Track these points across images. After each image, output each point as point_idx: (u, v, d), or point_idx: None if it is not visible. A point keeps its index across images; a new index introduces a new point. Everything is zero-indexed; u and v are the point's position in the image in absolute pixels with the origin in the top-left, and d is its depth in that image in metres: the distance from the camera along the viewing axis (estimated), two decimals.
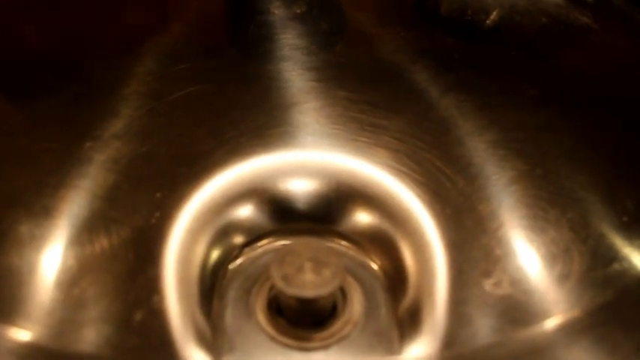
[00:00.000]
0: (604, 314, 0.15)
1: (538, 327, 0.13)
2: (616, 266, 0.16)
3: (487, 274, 0.14)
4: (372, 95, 0.17)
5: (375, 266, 0.14)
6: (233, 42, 0.21)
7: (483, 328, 0.13)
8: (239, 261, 0.14)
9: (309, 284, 0.12)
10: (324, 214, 0.14)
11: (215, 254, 0.14)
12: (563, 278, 0.15)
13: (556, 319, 0.14)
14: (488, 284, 0.13)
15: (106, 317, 0.12)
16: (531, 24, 0.22)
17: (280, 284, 0.12)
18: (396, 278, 0.14)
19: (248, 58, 0.20)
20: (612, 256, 0.16)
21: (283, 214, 0.14)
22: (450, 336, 0.13)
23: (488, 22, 0.22)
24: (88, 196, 0.13)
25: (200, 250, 0.13)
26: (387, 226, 0.14)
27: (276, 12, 0.22)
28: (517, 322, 0.14)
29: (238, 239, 0.14)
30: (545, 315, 0.14)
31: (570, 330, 0.14)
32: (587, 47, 0.22)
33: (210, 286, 0.13)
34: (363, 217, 0.14)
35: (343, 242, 0.14)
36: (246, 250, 0.14)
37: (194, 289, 0.13)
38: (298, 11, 0.22)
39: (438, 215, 0.15)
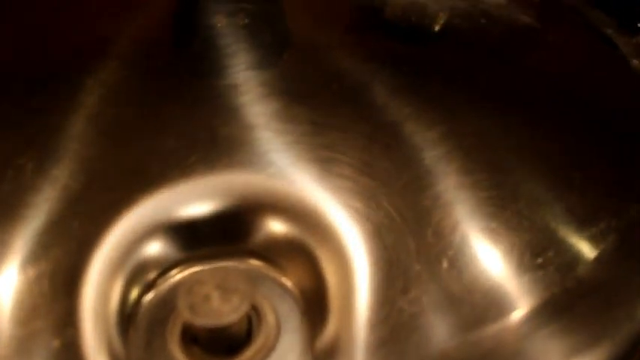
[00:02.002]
0: (557, 307, 0.15)
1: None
2: (566, 258, 0.16)
3: (406, 290, 0.14)
4: (294, 107, 0.17)
5: (292, 286, 0.14)
6: (177, 60, 0.21)
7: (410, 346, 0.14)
8: (153, 293, 0.14)
9: (216, 313, 0.12)
10: (233, 233, 0.14)
11: (130, 286, 0.14)
12: (516, 273, 0.15)
13: (510, 316, 0.14)
14: (406, 300, 0.13)
15: (18, 350, 0.12)
16: (471, 26, 0.21)
17: (187, 315, 0.12)
18: (314, 298, 0.14)
19: (191, 76, 0.20)
20: (562, 249, 0.16)
21: (191, 242, 0.14)
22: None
23: (430, 25, 0.22)
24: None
25: (116, 282, 0.13)
26: (304, 241, 0.14)
27: (220, 25, 0.22)
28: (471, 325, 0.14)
29: (152, 271, 0.14)
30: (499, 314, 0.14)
31: (530, 324, 0.14)
32: (530, 47, 0.22)
33: (127, 319, 0.14)
34: (277, 233, 0.14)
35: (257, 262, 0.14)
36: (160, 281, 0.14)
37: (111, 322, 0.13)
38: (241, 23, 0.22)
39: (365, 228, 0.15)
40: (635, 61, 0.24)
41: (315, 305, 0.14)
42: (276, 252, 0.14)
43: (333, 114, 0.17)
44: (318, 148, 0.16)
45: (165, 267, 0.14)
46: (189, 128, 0.15)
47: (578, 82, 0.21)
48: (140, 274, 0.13)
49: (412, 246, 0.14)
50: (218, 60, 0.21)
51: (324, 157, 0.16)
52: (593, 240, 0.17)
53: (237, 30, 0.22)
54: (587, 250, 0.16)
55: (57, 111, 0.16)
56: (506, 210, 0.16)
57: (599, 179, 0.18)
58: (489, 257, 0.15)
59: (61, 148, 0.15)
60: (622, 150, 0.19)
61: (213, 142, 0.15)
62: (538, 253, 0.15)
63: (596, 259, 0.16)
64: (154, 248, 0.14)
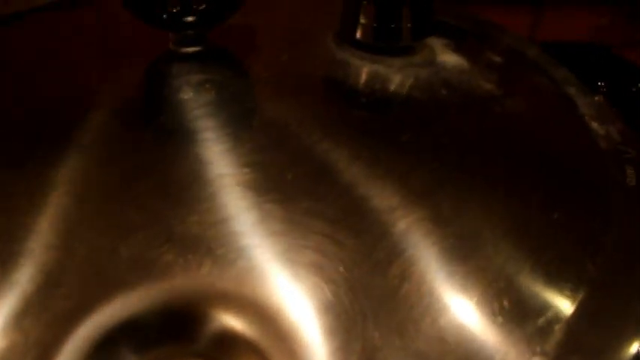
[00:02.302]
0: None
1: None
2: (541, 319, 0.16)
3: None
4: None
5: None
6: (143, 138, 0.21)
7: None
8: None
9: None
10: (186, 335, 0.15)
11: None
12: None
13: None
14: None
15: None
16: (432, 98, 0.22)
17: None
18: None
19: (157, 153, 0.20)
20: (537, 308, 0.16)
21: (146, 345, 0.14)
22: None
23: (393, 98, 0.22)
24: None
25: None
26: (259, 343, 0.14)
27: (187, 97, 0.22)
28: None
29: None
30: None
31: None
32: (489, 115, 0.22)
33: None
34: (232, 334, 0.14)
35: None
36: None
37: None
38: (209, 95, 0.23)
39: (326, 325, 0.15)
40: (594, 124, 0.25)
41: None
42: (230, 353, 0.14)
43: (299, 194, 0.18)
44: (281, 235, 0.17)
45: None
46: (149, 228, 0.16)
47: (538, 146, 0.22)
48: None
49: (378, 341, 0.15)
50: (186, 133, 0.21)
51: (287, 243, 0.16)
52: (564, 296, 0.17)
53: (203, 101, 0.22)
54: (559, 306, 0.17)
55: (20, 210, 0.16)
56: (480, 279, 0.16)
57: (563, 238, 0.19)
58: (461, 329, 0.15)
59: (24, 251, 0.15)
60: (579, 211, 0.20)
61: (170, 241, 0.16)
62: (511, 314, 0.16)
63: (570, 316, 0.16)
64: (112, 354, 0.14)
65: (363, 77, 0.22)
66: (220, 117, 0.21)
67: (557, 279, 0.17)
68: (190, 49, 0.24)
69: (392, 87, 0.22)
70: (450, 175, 0.19)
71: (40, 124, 0.20)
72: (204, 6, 0.22)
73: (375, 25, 0.23)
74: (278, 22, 0.26)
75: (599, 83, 0.27)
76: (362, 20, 0.23)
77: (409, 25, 0.23)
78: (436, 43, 0.26)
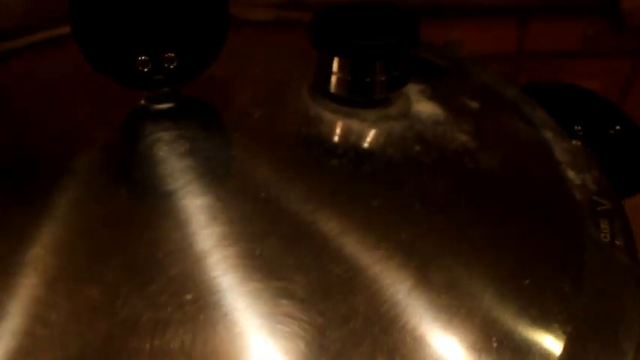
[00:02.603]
0: None
1: None
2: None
3: None
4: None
5: None
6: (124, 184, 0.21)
7: None
8: None
9: None
10: None
11: None
12: None
13: None
14: None
15: None
16: (405, 156, 0.22)
17: None
18: None
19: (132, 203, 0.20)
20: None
21: None
22: None
23: (367, 158, 0.22)
24: None
25: None
26: None
27: (161, 153, 0.22)
28: None
29: None
30: None
31: None
32: (463, 172, 0.22)
33: None
34: None
35: None
36: None
37: None
38: (182, 150, 0.22)
39: None
40: (571, 172, 0.25)
41: None
42: None
43: (271, 269, 0.18)
44: (264, 304, 0.17)
45: None
46: (118, 313, 0.16)
47: (512, 204, 0.22)
48: None
49: None
50: (159, 188, 0.21)
51: (270, 313, 0.16)
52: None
53: (177, 158, 0.22)
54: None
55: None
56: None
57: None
58: None
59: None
60: (551, 273, 0.20)
61: (137, 326, 0.15)
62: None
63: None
64: None
65: (337, 134, 0.22)
66: (194, 176, 0.21)
67: (526, 352, 0.17)
68: (163, 106, 0.23)
69: (365, 144, 0.22)
70: (422, 238, 0.19)
71: (10, 190, 0.20)
72: (175, 64, 0.22)
73: (348, 79, 0.23)
74: (253, 72, 0.26)
75: (577, 127, 0.27)
76: (335, 74, 0.23)
77: (383, 78, 0.23)
78: (412, 90, 0.26)
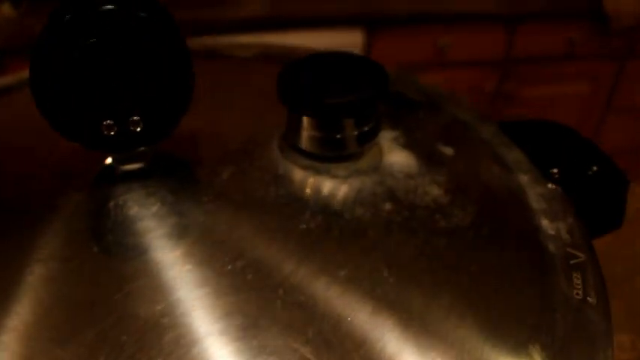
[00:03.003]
0: None
1: None
2: None
3: None
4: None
5: None
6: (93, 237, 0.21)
7: None
8: None
9: None
10: None
11: None
12: None
13: None
14: None
15: None
16: (374, 215, 0.22)
17: None
18: None
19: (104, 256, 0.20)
20: None
21: None
22: None
23: (333, 213, 0.22)
24: None
25: None
26: None
27: (131, 213, 0.22)
28: None
29: None
30: None
31: None
32: (432, 235, 0.22)
33: None
34: None
35: None
36: None
37: None
38: (153, 210, 0.22)
39: None
40: (545, 221, 0.24)
41: None
42: None
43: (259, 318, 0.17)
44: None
45: None
46: None
47: (483, 264, 0.22)
48: None
49: None
50: (129, 249, 0.21)
51: None
52: None
53: (149, 217, 0.22)
54: None
55: None
56: None
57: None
58: None
59: None
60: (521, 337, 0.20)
61: None
62: None
63: None
64: None
65: (305, 195, 0.22)
66: (164, 237, 0.21)
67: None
68: (131, 166, 0.23)
69: (334, 206, 0.22)
70: (389, 307, 0.19)
71: None
72: (141, 127, 0.22)
73: (318, 136, 0.23)
74: (224, 125, 0.26)
75: (553, 170, 0.26)
76: (305, 130, 0.23)
77: (354, 133, 0.23)
78: (384, 138, 0.26)
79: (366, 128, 0.23)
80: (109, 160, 0.24)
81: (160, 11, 0.20)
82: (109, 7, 0.19)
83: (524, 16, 1.06)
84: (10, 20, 0.98)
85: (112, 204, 0.23)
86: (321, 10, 1.02)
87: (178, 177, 0.23)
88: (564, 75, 1.16)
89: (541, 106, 1.19)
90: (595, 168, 0.28)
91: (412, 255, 0.20)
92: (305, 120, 0.23)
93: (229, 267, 0.19)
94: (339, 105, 0.22)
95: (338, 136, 0.23)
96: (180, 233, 0.21)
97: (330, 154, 0.23)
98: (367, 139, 0.24)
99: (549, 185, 0.27)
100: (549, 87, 1.16)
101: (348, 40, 1.05)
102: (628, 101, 1.21)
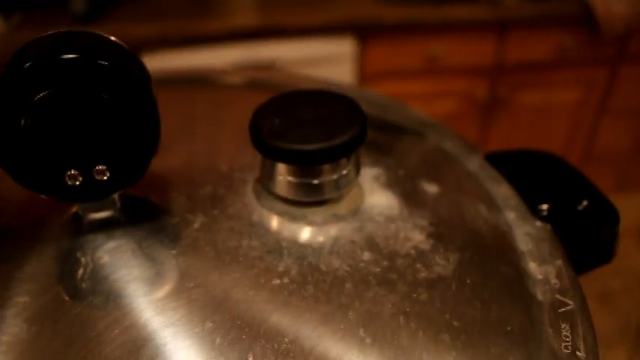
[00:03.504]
0: None
1: None
2: None
3: None
4: None
5: None
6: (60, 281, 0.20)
7: None
8: None
9: None
10: None
11: None
12: None
13: None
14: None
15: None
16: (353, 266, 0.21)
17: None
18: None
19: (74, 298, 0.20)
20: None
21: None
22: None
23: (308, 266, 0.21)
24: None
25: None
26: None
27: (102, 262, 0.21)
28: None
29: None
30: None
31: None
32: (413, 289, 0.21)
33: None
34: None
35: None
36: None
37: None
38: (127, 254, 0.21)
39: None
40: (532, 265, 0.23)
41: None
42: None
43: None
44: None
45: None
46: None
47: (469, 308, 0.21)
48: None
49: None
50: (104, 294, 0.20)
51: None
52: None
53: (123, 263, 0.21)
54: None
55: None
56: None
57: None
58: None
59: None
60: None
61: None
62: None
63: None
64: None
65: (280, 246, 0.21)
66: (132, 289, 0.20)
67: None
68: (99, 215, 0.22)
69: (310, 255, 0.20)
70: None
71: None
72: (107, 176, 0.20)
73: (294, 182, 0.22)
74: (198, 164, 0.25)
75: (541, 207, 0.25)
76: (280, 176, 0.22)
77: (332, 178, 0.22)
78: (365, 178, 0.25)
79: (344, 172, 0.22)
80: (75, 208, 0.22)
81: (125, 58, 0.19)
82: (71, 55, 0.18)
83: (515, 22, 1.05)
84: (1, 35, 0.96)
85: (78, 254, 0.22)
86: (313, 19, 1.01)
87: (147, 227, 0.22)
88: (557, 81, 1.15)
89: (534, 112, 1.18)
90: (585, 202, 0.27)
91: (390, 312, 0.19)
92: (280, 165, 0.22)
93: (197, 329, 0.18)
94: (316, 152, 0.20)
95: (315, 182, 0.22)
96: (146, 293, 0.20)
97: (307, 199, 0.22)
98: (346, 182, 0.23)
99: (537, 223, 0.26)
100: (542, 93, 1.16)
101: (339, 49, 1.04)
102: (621, 106, 1.21)
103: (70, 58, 0.18)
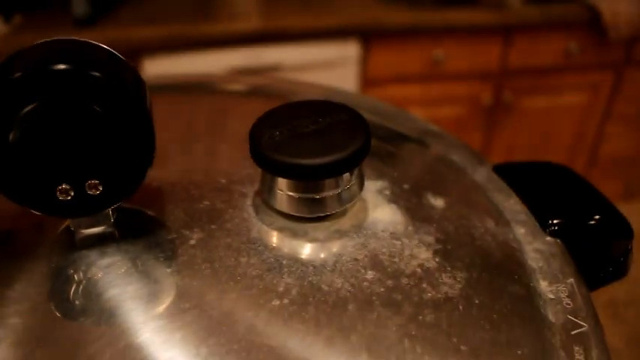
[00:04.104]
0: None
1: None
2: None
3: None
4: None
5: None
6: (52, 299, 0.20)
7: None
8: None
9: None
10: None
11: None
12: None
13: None
14: None
15: None
16: (355, 286, 0.20)
17: None
18: None
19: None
20: None
21: None
22: None
23: (309, 286, 0.20)
24: None
25: None
26: None
27: (96, 279, 0.20)
28: None
29: None
30: None
31: None
32: (417, 303, 0.20)
33: None
34: None
35: None
36: None
37: None
38: (119, 272, 0.20)
39: None
40: (543, 284, 0.23)
41: None
42: None
43: None
44: None
45: None
46: None
47: (477, 331, 0.20)
48: None
49: None
50: (97, 311, 0.19)
51: None
52: None
53: (117, 281, 0.20)
54: None
55: None
56: None
57: None
58: None
59: None
60: None
61: None
62: None
63: None
64: None
65: (279, 264, 0.20)
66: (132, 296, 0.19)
67: None
68: (92, 230, 0.21)
69: (312, 274, 0.19)
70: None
71: None
72: (100, 190, 0.20)
73: (295, 196, 0.21)
74: (196, 176, 0.24)
75: (552, 221, 0.24)
76: (280, 191, 0.21)
77: (334, 193, 0.21)
78: (369, 191, 0.24)
79: (347, 186, 0.21)
80: (67, 223, 0.22)
81: (118, 68, 0.18)
82: (61, 66, 0.17)
83: (519, 26, 1.04)
84: (1, 37, 0.96)
85: (70, 271, 0.21)
86: (316, 23, 1.00)
87: (142, 243, 0.21)
88: (562, 85, 1.14)
89: (539, 117, 1.17)
90: (597, 217, 0.26)
91: (395, 335, 0.18)
92: (280, 180, 0.21)
93: (192, 353, 0.17)
94: (317, 166, 0.20)
95: (317, 197, 0.21)
96: (140, 313, 0.19)
97: (309, 215, 0.21)
98: (349, 197, 0.22)
99: (548, 238, 0.25)
100: (547, 98, 1.14)
101: (343, 53, 1.04)
102: (627, 110, 1.19)
103: (61, 69, 0.17)
